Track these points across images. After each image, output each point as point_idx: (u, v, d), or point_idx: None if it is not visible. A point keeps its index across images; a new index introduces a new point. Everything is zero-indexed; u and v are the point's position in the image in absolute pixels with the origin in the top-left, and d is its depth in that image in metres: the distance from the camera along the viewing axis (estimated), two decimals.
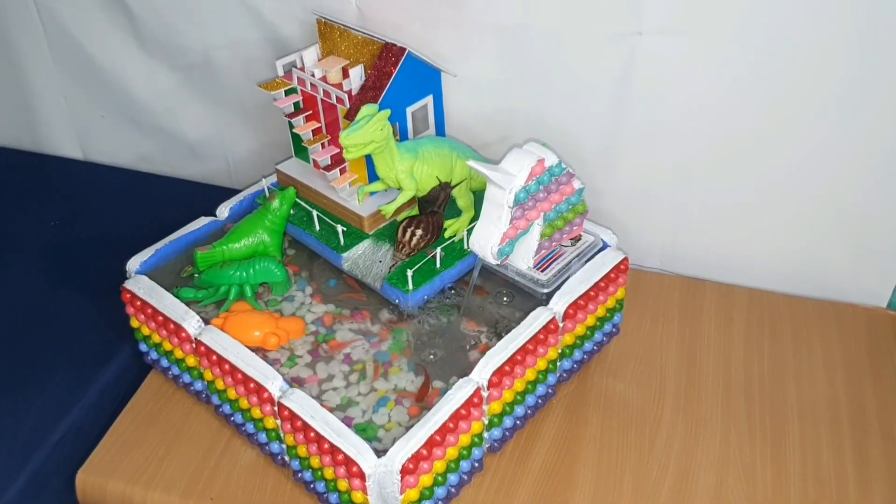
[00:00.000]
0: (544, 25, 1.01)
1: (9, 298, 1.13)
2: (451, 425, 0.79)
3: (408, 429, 0.79)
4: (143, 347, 0.99)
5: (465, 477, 0.84)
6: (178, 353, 0.93)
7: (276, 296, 1.01)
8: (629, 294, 1.00)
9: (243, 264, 0.99)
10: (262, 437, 0.89)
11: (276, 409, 0.83)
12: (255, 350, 0.89)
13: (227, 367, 0.87)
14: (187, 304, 0.92)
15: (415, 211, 1.01)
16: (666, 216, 1.12)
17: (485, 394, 0.83)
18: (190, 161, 1.35)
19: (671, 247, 1.14)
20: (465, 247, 0.97)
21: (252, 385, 0.84)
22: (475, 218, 0.94)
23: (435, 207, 0.98)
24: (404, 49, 0.96)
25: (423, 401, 0.88)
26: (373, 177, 1.00)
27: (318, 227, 1.02)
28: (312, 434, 0.79)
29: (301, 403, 0.81)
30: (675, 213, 1.11)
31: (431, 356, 0.93)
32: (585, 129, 1.08)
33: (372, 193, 1.02)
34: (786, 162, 1.02)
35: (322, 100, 1.01)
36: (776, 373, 1.00)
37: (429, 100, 1.04)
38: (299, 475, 0.86)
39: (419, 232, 0.96)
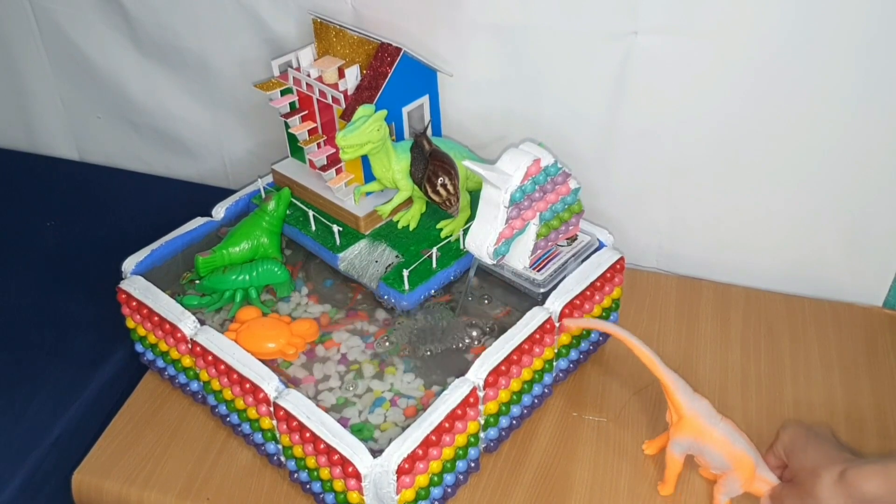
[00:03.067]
0: (541, 25, 1.01)
1: (4, 299, 1.13)
2: (447, 425, 0.79)
3: (404, 429, 0.79)
4: (139, 348, 0.99)
5: (462, 477, 0.84)
6: (174, 354, 0.93)
7: (279, 297, 1.01)
8: (626, 294, 1.00)
9: (245, 267, 0.99)
10: (259, 438, 0.88)
11: (272, 409, 0.83)
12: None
13: (222, 367, 0.86)
14: (192, 311, 0.92)
15: (413, 210, 1.01)
16: (662, 216, 1.12)
17: (481, 394, 0.83)
18: (186, 161, 1.35)
19: (668, 246, 1.14)
20: (462, 247, 0.97)
21: (248, 385, 0.84)
22: (471, 218, 0.94)
23: (427, 150, 0.94)
24: (400, 49, 0.96)
25: None
26: (369, 177, 1.00)
27: (314, 228, 1.02)
28: (308, 434, 0.79)
29: (297, 404, 0.81)
30: (672, 212, 1.11)
31: (428, 354, 0.93)
32: (582, 128, 1.08)
33: (368, 194, 1.02)
34: (782, 161, 1.02)
35: (318, 100, 1.00)
36: (773, 372, 1.00)
37: (425, 100, 1.04)
38: (295, 476, 0.86)
39: (444, 179, 0.91)
